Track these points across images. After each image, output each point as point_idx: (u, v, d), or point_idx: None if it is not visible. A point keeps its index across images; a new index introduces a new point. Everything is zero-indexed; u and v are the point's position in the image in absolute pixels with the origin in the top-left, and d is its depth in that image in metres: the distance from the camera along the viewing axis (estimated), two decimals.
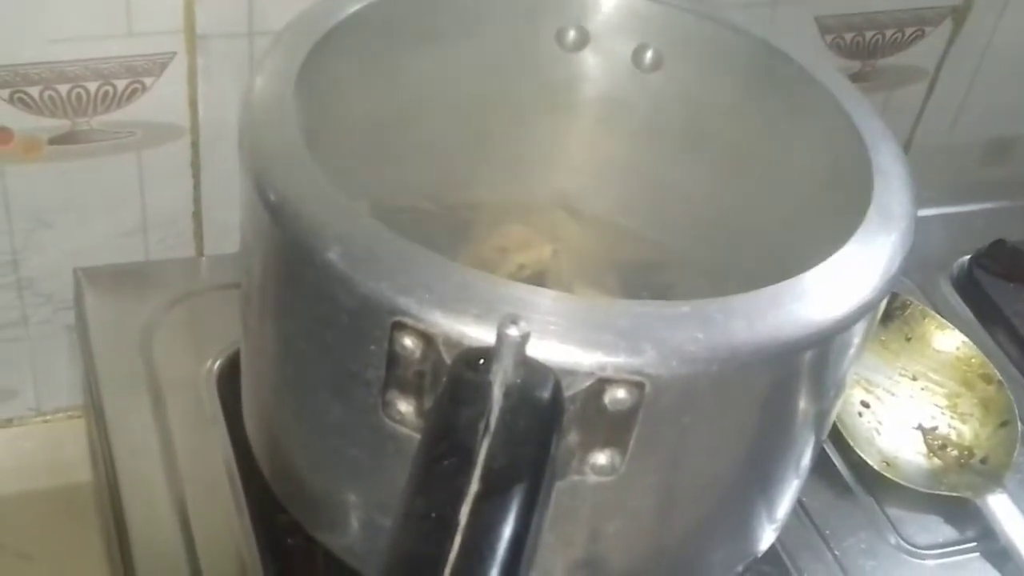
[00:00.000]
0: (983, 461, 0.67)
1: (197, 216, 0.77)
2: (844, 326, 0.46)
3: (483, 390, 0.39)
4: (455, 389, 0.40)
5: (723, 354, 0.43)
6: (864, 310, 0.47)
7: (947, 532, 0.65)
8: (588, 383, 0.42)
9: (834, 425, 0.65)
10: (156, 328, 0.70)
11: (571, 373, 0.41)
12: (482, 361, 0.40)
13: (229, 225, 0.53)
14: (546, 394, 0.40)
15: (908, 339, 0.71)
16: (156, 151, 0.73)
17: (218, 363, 0.68)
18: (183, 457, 0.63)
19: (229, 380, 0.66)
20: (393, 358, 0.43)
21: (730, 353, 0.43)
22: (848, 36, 0.85)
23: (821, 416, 0.52)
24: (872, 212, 0.50)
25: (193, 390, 0.67)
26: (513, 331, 0.39)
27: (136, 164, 0.73)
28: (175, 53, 0.70)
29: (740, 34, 0.59)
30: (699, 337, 0.43)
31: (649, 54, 0.61)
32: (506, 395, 0.39)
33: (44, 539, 0.83)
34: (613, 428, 0.43)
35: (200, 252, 0.79)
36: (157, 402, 0.66)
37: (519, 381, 0.40)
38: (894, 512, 0.66)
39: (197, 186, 0.76)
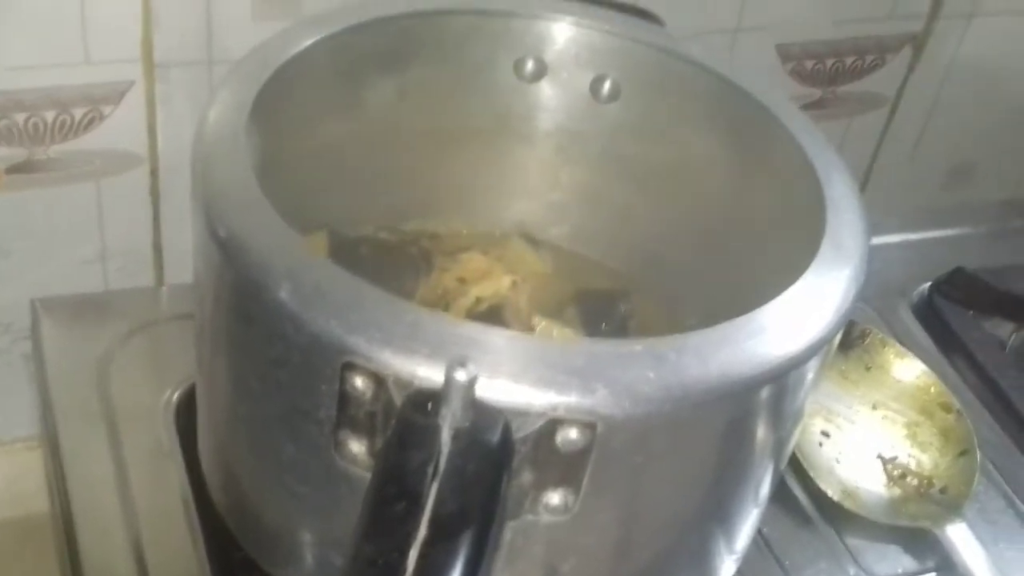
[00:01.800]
0: (943, 491, 0.67)
1: (157, 245, 0.76)
2: (798, 363, 0.46)
3: (431, 434, 0.39)
4: (403, 432, 0.40)
5: (676, 393, 0.43)
6: (818, 346, 0.47)
7: (907, 562, 0.65)
8: (540, 423, 0.41)
9: (794, 455, 0.65)
10: (114, 358, 0.69)
11: (523, 413, 0.41)
12: (430, 404, 0.40)
13: (189, 254, 0.53)
14: (495, 437, 0.40)
15: (868, 368, 0.71)
16: (115, 180, 0.73)
17: (176, 394, 0.67)
18: (138, 489, 0.62)
19: (187, 412, 0.65)
20: (344, 398, 0.43)
21: (683, 392, 0.43)
22: (809, 64, 0.85)
23: (778, 448, 0.51)
24: (825, 246, 0.50)
25: (150, 421, 0.66)
26: (461, 374, 0.39)
27: (95, 193, 0.73)
28: (133, 81, 0.69)
29: (697, 67, 0.59)
30: (651, 376, 0.42)
31: (607, 85, 0.62)
32: (455, 438, 0.39)
33: (2, 570, 0.82)
34: (566, 468, 0.43)
35: (160, 281, 0.78)
36: (113, 433, 0.65)
37: (468, 424, 0.39)
38: (854, 542, 0.65)
39: (157, 215, 0.75)
